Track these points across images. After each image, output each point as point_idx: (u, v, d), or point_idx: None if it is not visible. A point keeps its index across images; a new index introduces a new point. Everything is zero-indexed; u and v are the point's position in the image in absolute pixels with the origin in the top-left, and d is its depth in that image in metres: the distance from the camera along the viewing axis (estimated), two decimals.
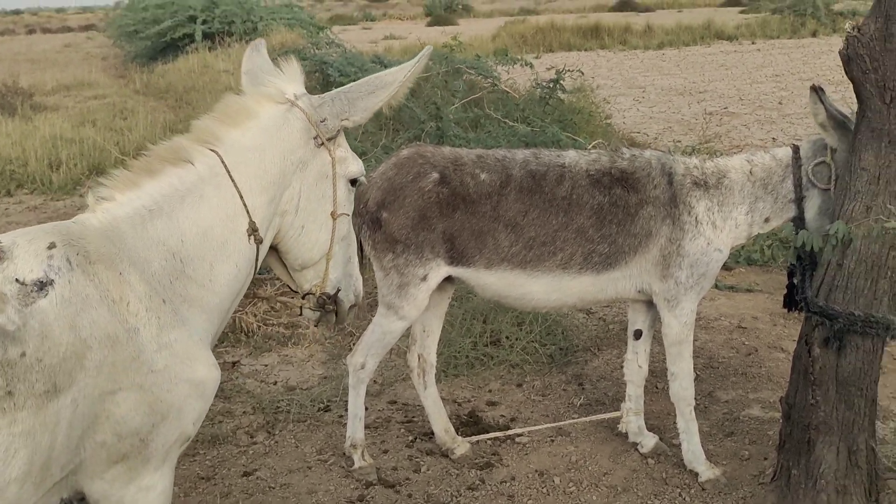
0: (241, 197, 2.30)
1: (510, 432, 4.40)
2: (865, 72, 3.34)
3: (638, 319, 4.18)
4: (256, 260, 2.37)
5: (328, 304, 2.63)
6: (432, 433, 4.37)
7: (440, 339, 4.35)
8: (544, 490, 3.97)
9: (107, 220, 2.20)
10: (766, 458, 4.07)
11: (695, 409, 4.00)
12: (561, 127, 7.77)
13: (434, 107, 7.45)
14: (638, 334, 4.18)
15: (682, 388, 3.98)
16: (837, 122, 3.69)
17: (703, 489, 3.90)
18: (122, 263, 2.14)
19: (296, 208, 2.46)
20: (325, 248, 2.54)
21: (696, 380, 4.83)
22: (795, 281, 3.76)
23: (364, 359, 4.07)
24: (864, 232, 3.15)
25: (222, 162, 2.31)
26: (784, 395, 3.78)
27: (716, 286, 6.10)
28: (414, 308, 3.93)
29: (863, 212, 3.40)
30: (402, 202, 3.82)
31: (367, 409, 4.50)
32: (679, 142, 10.66)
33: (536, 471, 4.11)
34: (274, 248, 2.54)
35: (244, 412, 4.75)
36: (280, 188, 2.40)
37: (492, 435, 4.38)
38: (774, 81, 17.76)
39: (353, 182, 2.58)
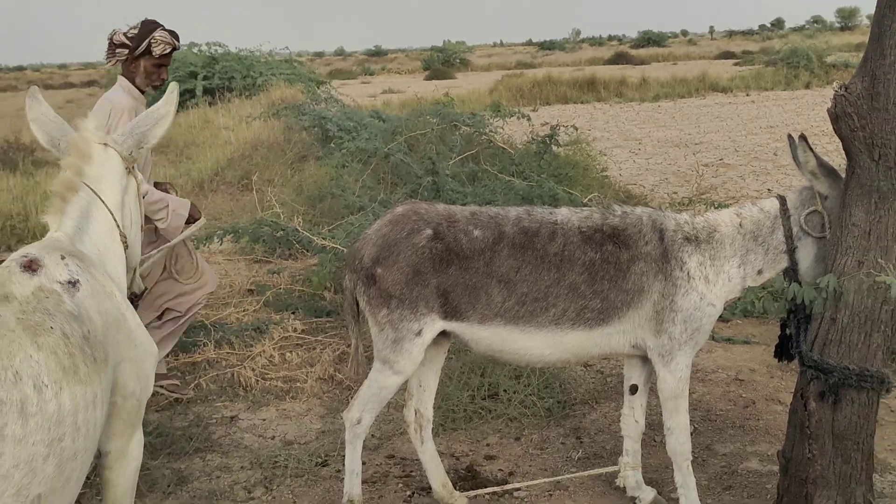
0: (111, 213, 2.98)
1: (508, 487, 4.39)
2: (853, 129, 3.42)
3: (633, 374, 4.20)
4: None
5: (137, 299, 3.35)
6: (430, 488, 4.36)
7: (437, 393, 4.36)
8: None
9: (68, 238, 2.83)
10: None
11: (692, 462, 4.00)
12: (557, 181, 7.86)
13: (430, 162, 7.53)
14: (634, 389, 4.20)
15: (679, 442, 3.99)
16: (828, 168, 3.76)
17: None
18: (96, 266, 2.78)
19: (129, 222, 3.14)
20: (139, 254, 3.28)
21: (693, 433, 4.85)
22: (788, 332, 3.80)
23: (360, 414, 4.08)
24: (855, 286, 3.19)
25: (91, 189, 2.97)
26: (781, 448, 3.79)
27: (712, 338, 6.12)
28: (409, 363, 3.95)
29: (854, 266, 3.45)
30: (397, 258, 3.87)
31: (364, 463, 4.51)
32: (675, 193, 10.76)
33: None
34: None
35: (241, 467, 4.75)
36: (120, 207, 3.07)
37: (490, 489, 4.37)
38: (769, 132, 17.93)
39: (143, 197, 3.33)
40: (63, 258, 2.63)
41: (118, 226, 2.99)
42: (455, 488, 4.37)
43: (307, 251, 8.07)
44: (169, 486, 4.48)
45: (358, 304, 4.05)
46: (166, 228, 5.10)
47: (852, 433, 3.52)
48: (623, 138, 18.02)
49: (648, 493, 4.19)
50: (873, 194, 3.43)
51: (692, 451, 4.04)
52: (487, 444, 4.93)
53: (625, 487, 4.23)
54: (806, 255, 3.81)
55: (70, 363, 2.37)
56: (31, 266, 2.53)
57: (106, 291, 2.71)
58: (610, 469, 4.33)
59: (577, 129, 9.15)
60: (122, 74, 5.30)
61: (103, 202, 2.97)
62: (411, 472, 4.66)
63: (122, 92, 5.23)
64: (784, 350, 3.89)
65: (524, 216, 3.95)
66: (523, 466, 4.69)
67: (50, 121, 3.19)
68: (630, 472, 4.22)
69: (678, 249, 3.85)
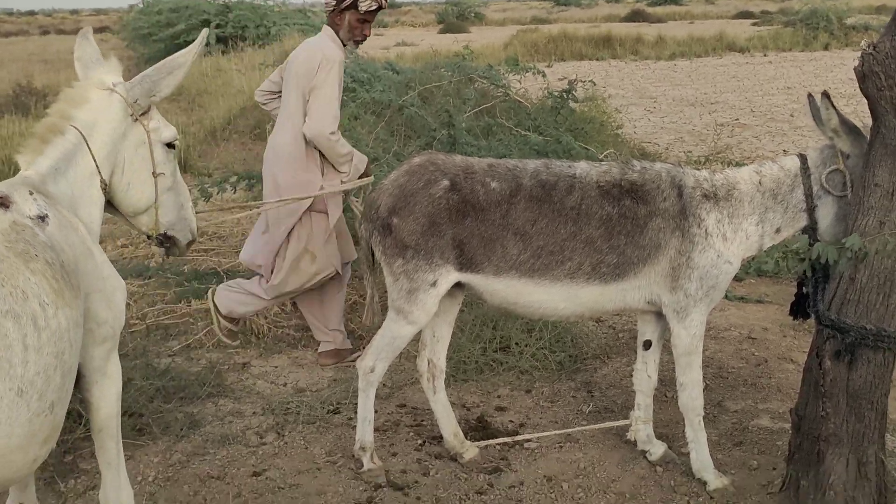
0: (95, 160, 3.03)
1: (519, 438, 4.41)
2: (881, 89, 3.36)
3: (647, 330, 4.20)
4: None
5: (165, 242, 3.44)
6: (441, 437, 4.39)
7: (450, 345, 4.37)
8: (552, 496, 3.98)
9: (39, 178, 2.90)
10: (774, 469, 4.08)
11: (704, 418, 4.01)
12: (573, 136, 7.79)
13: (447, 114, 7.47)
14: (647, 345, 4.20)
15: (692, 398, 4.00)
16: (850, 126, 3.72)
17: (711, 498, 3.90)
18: (63, 204, 2.90)
19: (122, 170, 3.16)
20: (150, 200, 3.26)
21: (705, 389, 4.84)
22: (805, 291, 3.78)
23: (374, 363, 4.10)
24: (879, 246, 3.17)
25: (81, 134, 3.01)
26: (794, 406, 3.79)
27: (726, 297, 6.10)
28: (423, 313, 3.96)
29: (876, 227, 3.42)
30: (413, 208, 3.87)
31: (376, 412, 4.52)
32: (690, 152, 10.67)
33: (545, 476, 4.12)
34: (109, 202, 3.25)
35: (254, 413, 4.78)
36: (112, 154, 3.11)
37: (501, 440, 4.39)
38: (786, 94, 17.77)
39: (171, 146, 3.30)
40: (31, 194, 2.74)
41: (98, 172, 3.05)
42: (466, 438, 4.40)
43: None
44: (182, 429, 4.51)
45: (374, 254, 4.05)
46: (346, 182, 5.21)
47: (867, 392, 3.51)
48: (638, 96, 17.88)
49: (659, 448, 4.21)
50: None
51: (703, 408, 4.05)
52: (498, 396, 4.94)
53: (636, 441, 4.25)
54: (826, 214, 3.78)
55: (58, 286, 2.55)
56: (2, 202, 2.64)
57: (72, 226, 2.84)
58: (621, 423, 4.34)
59: (594, 84, 9.06)
60: (328, 24, 5.24)
61: (89, 149, 3.02)
62: (422, 421, 4.68)
63: (330, 42, 5.15)
64: (800, 308, 3.88)
65: (542, 169, 3.93)
66: (534, 418, 4.70)
67: (93, 62, 3.27)
68: (641, 426, 4.23)
69: (696, 206, 3.82)
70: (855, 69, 3.44)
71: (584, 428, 4.47)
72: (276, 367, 5.38)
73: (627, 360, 5.26)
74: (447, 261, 3.88)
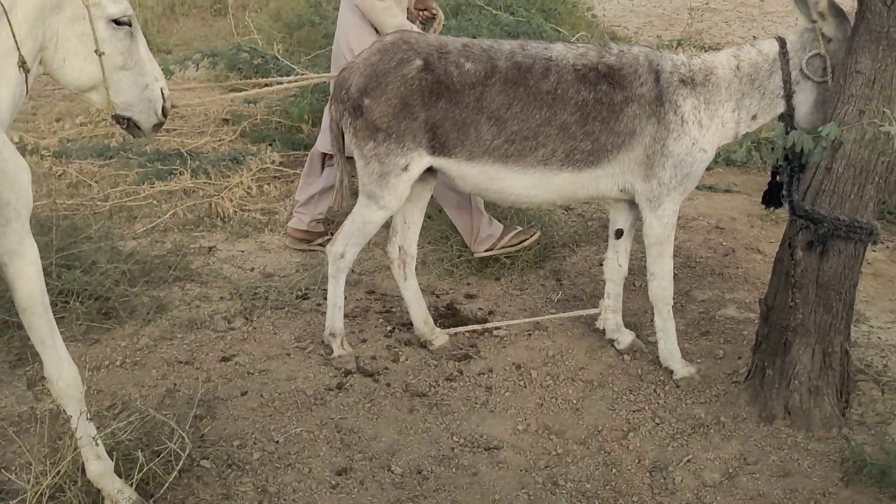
0: (14, 35, 2.82)
1: (489, 325, 4.42)
2: None
3: (619, 219, 4.17)
4: (26, 84, 2.93)
5: (122, 122, 3.23)
6: (411, 324, 4.38)
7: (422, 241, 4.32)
8: (521, 383, 4.02)
9: None
10: (740, 358, 4.14)
11: (671, 308, 4.03)
12: (545, 17, 7.61)
13: None
14: (619, 233, 4.17)
15: (662, 287, 4.00)
16: (837, 10, 3.63)
17: (677, 386, 3.96)
18: None
19: (55, 45, 2.96)
20: (93, 78, 3.05)
21: (673, 279, 4.88)
22: (779, 179, 3.76)
23: (344, 248, 4.05)
24: (856, 135, 3.13)
25: (2, 6, 2.79)
26: (763, 296, 3.82)
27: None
28: (395, 198, 3.90)
29: (855, 115, 3.39)
30: (385, 89, 3.76)
31: (345, 298, 4.50)
32: (660, 36, 10.50)
33: (514, 364, 4.15)
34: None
35: (221, 297, 4.73)
36: (37, 27, 2.89)
37: (470, 327, 4.40)
38: None
39: (119, 22, 3.04)
40: None
41: (18, 49, 2.84)
42: (435, 325, 4.40)
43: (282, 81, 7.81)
44: (148, 313, 4.46)
45: (343, 137, 3.95)
46: None
47: (836, 283, 3.54)
48: None
49: (627, 336, 4.24)
50: (882, 41, 3.33)
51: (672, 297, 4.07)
52: (468, 283, 4.93)
53: (604, 330, 4.27)
54: (804, 100, 3.73)
55: None
56: None
57: None
58: (590, 311, 4.36)
59: None
60: None
61: (9, 22, 2.81)
62: (391, 308, 4.67)
63: None
64: (773, 197, 3.86)
65: (518, 50, 3.83)
66: (503, 306, 4.71)
67: None
68: (611, 315, 4.24)
69: (673, 92, 3.75)
70: None
71: (553, 316, 4.49)
72: (242, 251, 5.31)
73: (596, 249, 5.26)
74: (419, 144, 3.80)
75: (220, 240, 5.44)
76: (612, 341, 4.26)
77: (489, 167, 3.83)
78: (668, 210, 3.87)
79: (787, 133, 3.54)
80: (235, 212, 5.71)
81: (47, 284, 4.26)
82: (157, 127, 3.33)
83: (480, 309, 4.67)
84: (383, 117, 3.77)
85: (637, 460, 3.54)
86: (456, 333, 4.35)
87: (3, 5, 2.82)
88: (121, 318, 4.41)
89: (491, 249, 4.90)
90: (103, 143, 6.67)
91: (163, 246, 5.25)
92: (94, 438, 3.06)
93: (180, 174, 6.07)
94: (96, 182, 6.03)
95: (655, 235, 3.92)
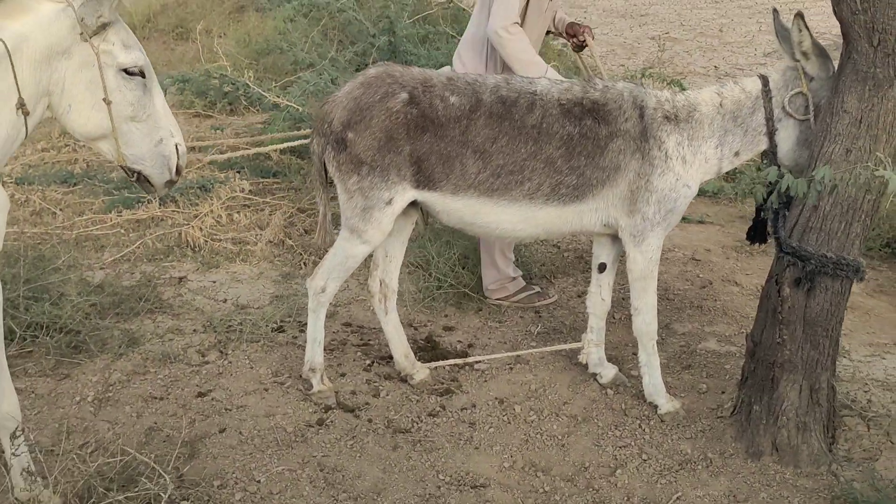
0: (15, 77, 2.80)
1: (470, 360, 4.36)
2: (855, 13, 3.30)
3: (602, 253, 4.15)
4: (26, 127, 2.90)
5: (131, 176, 3.17)
6: (390, 357, 4.32)
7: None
8: (505, 418, 3.97)
9: None
10: (724, 392, 4.12)
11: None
12: None
13: (388, 21, 7.21)
14: (602, 267, 4.15)
15: (646, 322, 3.98)
16: (820, 49, 3.66)
17: (662, 421, 3.93)
18: None
19: (61, 90, 2.93)
20: (101, 128, 3.00)
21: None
22: (763, 216, 3.75)
23: (325, 282, 3.98)
24: (852, 179, 3.14)
25: (6, 48, 2.78)
26: (749, 332, 3.82)
27: None
28: (378, 232, 3.84)
29: (842, 154, 3.40)
30: (369, 122, 3.71)
31: None
32: (623, 66, 10.59)
33: (496, 398, 4.10)
34: None
35: (194, 330, 4.62)
36: (46, 72, 2.88)
37: (451, 361, 4.34)
38: (714, 7, 17.69)
39: (131, 73, 3.00)
40: None
41: (18, 91, 2.81)
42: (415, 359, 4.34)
43: (253, 108, 7.75)
44: (120, 346, 4.35)
45: (326, 170, 3.89)
46: None
47: (823, 320, 3.54)
48: (568, 5, 17.63)
49: (610, 370, 4.21)
50: (868, 81, 3.35)
51: None
52: (446, 315, 4.88)
53: (587, 364, 4.24)
54: (786, 137, 3.74)
55: None
56: None
57: None
58: (573, 345, 4.32)
59: None
60: None
61: (11, 64, 2.78)
62: (369, 340, 4.60)
63: None
64: (758, 233, 3.88)
65: (503, 84, 3.81)
66: (482, 339, 4.66)
67: None
68: (594, 349, 4.21)
69: (657, 128, 3.75)
70: None
71: (535, 350, 4.45)
72: (214, 281, 5.21)
73: (574, 281, 5.24)
74: (403, 178, 3.76)
75: (190, 270, 5.33)
76: (594, 375, 4.23)
77: (474, 201, 3.80)
78: (653, 245, 3.86)
79: (771, 166, 3.56)
80: (206, 241, 5.60)
81: (15, 318, 4.18)
82: (170, 185, 3.23)
83: (460, 342, 4.61)
84: (367, 151, 3.72)
85: (626, 498, 3.50)
86: (436, 367, 4.29)
87: (5, 44, 2.78)
88: (91, 351, 4.29)
89: (502, 300, 4.94)
90: (66, 170, 6.54)
91: (132, 276, 5.13)
92: (27, 471, 3.05)
93: (148, 202, 5.95)
94: (61, 210, 5.89)
95: (639, 270, 3.90)
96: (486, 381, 4.25)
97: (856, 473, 3.55)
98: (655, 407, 3.99)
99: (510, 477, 3.62)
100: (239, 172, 6.56)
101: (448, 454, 3.72)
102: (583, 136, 3.73)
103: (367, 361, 4.39)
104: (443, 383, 4.21)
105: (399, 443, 3.78)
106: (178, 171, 3.19)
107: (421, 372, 4.20)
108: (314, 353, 4.05)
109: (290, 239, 5.65)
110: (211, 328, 4.62)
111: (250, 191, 6.26)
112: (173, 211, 5.92)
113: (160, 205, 5.94)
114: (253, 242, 5.62)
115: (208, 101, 8.22)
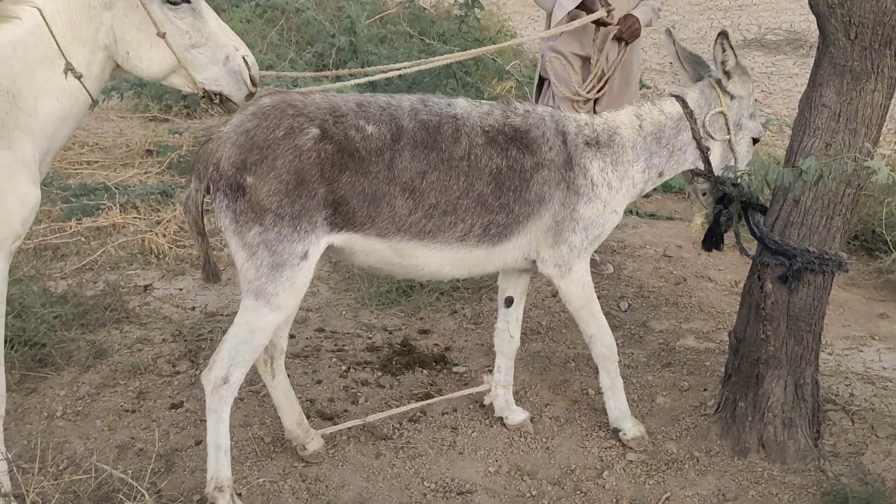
0: (57, 42, 2.85)
1: (357, 422, 3.81)
2: (831, 6, 3.29)
3: (508, 287, 3.90)
4: (86, 90, 2.97)
5: (214, 99, 3.20)
6: (367, 362, 4.24)
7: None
8: (487, 422, 3.91)
9: None
10: (705, 390, 4.10)
11: (630, 338, 3.93)
12: (478, 46, 7.56)
13: (349, 21, 7.11)
14: (509, 301, 3.92)
15: (605, 345, 3.74)
16: (742, 67, 3.61)
17: (627, 448, 3.74)
18: None
19: (115, 40, 3.00)
20: (167, 62, 3.06)
21: (628, 309, 4.85)
22: (722, 221, 3.66)
23: (226, 371, 3.19)
24: (838, 170, 3.12)
25: (42, 15, 2.84)
26: (732, 329, 3.80)
27: (637, 214, 6.09)
28: (292, 295, 3.19)
29: (821, 148, 3.40)
30: (273, 163, 3.08)
31: (293, 336, 4.34)
32: None
33: (477, 402, 4.03)
34: None
35: (163, 339, 4.50)
36: (90, 29, 2.95)
37: (347, 424, 3.81)
38: (666, 4, 17.81)
39: (173, 2, 3.03)
40: None
41: (63, 56, 2.88)
42: (392, 364, 4.27)
43: (211, 111, 7.60)
44: (87, 359, 4.22)
45: (202, 218, 3.23)
46: None
47: (806, 315, 3.53)
48: (521, 4, 17.63)
49: (518, 415, 3.91)
50: (846, 75, 3.34)
51: (629, 327, 3.96)
52: (420, 318, 4.81)
53: (493, 407, 3.94)
54: (713, 156, 3.64)
55: None
56: None
57: None
58: (480, 388, 3.99)
59: None
60: None
61: (50, 30, 2.86)
62: (344, 346, 4.52)
63: None
64: (716, 240, 3.73)
65: (419, 106, 3.37)
66: (458, 342, 4.60)
67: None
68: (501, 391, 3.92)
69: (581, 155, 3.50)
70: None
71: (439, 399, 4.02)
72: (180, 289, 5.08)
73: (547, 280, 5.19)
74: (316, 225, 3.16)
75: (155, 277, 5.20)
76: (501, 419, 3.92)
77: (404, 244, 3.33)
78: (580, 271, 3.62)
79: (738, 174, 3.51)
80: (170, 248, 5.48)
81: None
82: (249, 97, 3.26)
83: (436, 345, 4.55)
84: (273, 196, 3.08)
85: (615, 500, 3.46)
86: (333, 434, 3.79)
87: (41, 12, 2.86)
88: (58, 364, 4.15)
89: None
90: None
91: (96, 286, 4.98)
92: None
93: (108, 209, 5.80)
94: None
95: (578, 300, 3.66)
96: (465, 384, 4.19)
97: (843, 468, 3.54)
98: (618, 432, 3.78)
99: (496, 482, 3.56)
100: None
101: (432, 460, 3.66)
102: (510, 168, 3.39)
103: (343, 367, 4.31)
104: (422, 388, 4.15)
105: (381, 450, 3.70)
106: (253, 83, 3.22)
107: (315, 441, 3.68)
108: (219, 465, 3.23)
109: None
110: (180, 337, 4.51)
111: None
112: (135, 217, 5.78)
113: (121, 211, 5.79)
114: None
115: (165, 104, 8.08)
